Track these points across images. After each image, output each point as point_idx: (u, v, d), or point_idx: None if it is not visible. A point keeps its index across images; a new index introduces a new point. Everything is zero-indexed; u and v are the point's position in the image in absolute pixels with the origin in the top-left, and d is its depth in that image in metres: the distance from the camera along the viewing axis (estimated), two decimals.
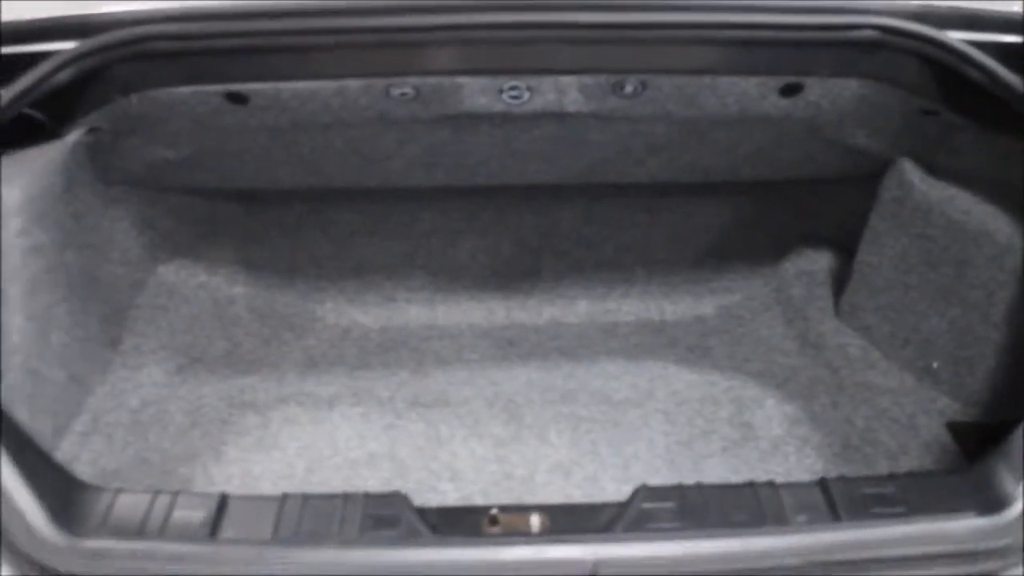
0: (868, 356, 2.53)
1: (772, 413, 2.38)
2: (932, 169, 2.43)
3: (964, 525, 1.49)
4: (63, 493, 1.56)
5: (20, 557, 1.43)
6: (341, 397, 2.46)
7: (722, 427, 2.34)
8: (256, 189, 2.79)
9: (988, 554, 1.46)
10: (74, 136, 2.29)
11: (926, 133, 2.39)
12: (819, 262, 2.86)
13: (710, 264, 2.95)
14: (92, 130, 2.32)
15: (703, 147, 2.52)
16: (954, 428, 2.27)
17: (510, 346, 2.73)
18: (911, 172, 2.44)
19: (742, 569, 1.45)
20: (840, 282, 2.74)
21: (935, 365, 2.38)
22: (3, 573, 1.43)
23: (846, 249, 2.73)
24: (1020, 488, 1.51)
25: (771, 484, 1.66)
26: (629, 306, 2.90)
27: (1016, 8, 2.33)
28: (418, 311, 2.89)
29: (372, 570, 1.46)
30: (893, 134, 2.43)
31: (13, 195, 2.08)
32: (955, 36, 2.19)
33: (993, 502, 1.51)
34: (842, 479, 1.66)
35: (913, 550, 1.46)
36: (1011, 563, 1.46)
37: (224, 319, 2.78)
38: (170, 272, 2.78)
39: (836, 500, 1.60)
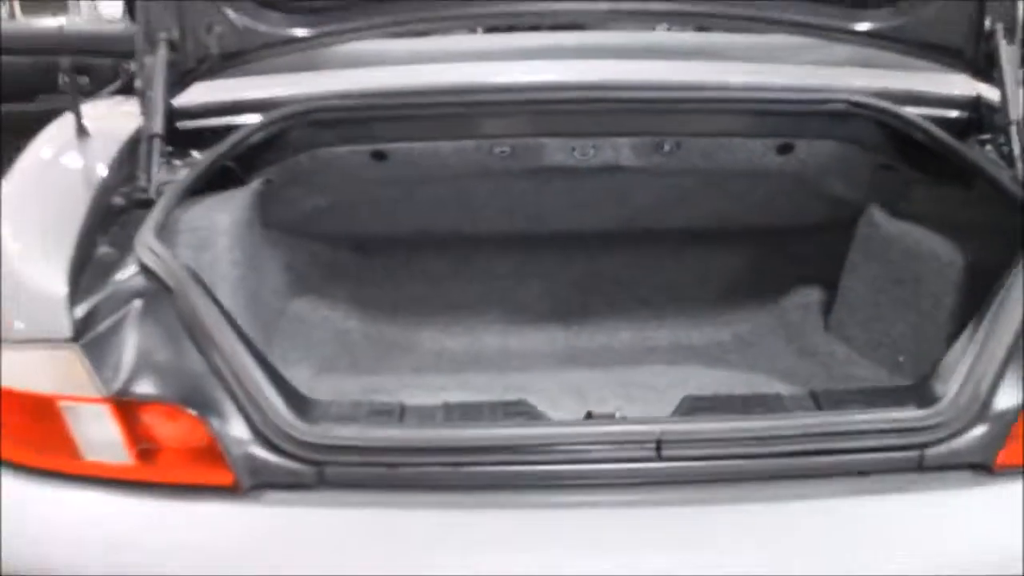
0: (851, 357, 3.20)
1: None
2: (894, 211, 3.14)
3: (907, 413, 2.15)
4: (295, 398, 2.24)
5: (279, 434, 2.09)
6: (449, 386, 3.13)
7: None
8: (371, 237, 3.55)
9: (922, 430, 2.12)
10: (255, 184, 3.03)
11: (888, 184, 3.15)
12: (812, 295, 3.55)
13: (726, 300, 3.65)
14: (267, 181, 3.07)
15: (720, 197, 3.31)
16: None
17: (571, 361, 3.46)
18: (878, 214, 3.16)
19: (757, 436, 2.13)
20: (828, 308, 3.43)
21: (901, 359, 3.04)
22: (268, 446, 2.11)
23: (832, 284, 3.43)
24: (945, 390, 2.17)
25: (777, 394, 2.40)
26: (662, 335, 3.58)
27: (956, 91, 3.10)
28: (493, 339, 3.58)
29: (511, 439, 2.14)
30: (863, 184, 3.19)
31: (224, 220, 2.83)
32: (909, 110, 2.96)
33: (927, 400, 2.18)
34: (826, 390, 2.38)
35: (871, 426, 2.15)
36: (937, 437, 2.12)
37: (344, 344, 3.48)
38: (301, 306, 3.47)
39: (821, 401, 2.29)
